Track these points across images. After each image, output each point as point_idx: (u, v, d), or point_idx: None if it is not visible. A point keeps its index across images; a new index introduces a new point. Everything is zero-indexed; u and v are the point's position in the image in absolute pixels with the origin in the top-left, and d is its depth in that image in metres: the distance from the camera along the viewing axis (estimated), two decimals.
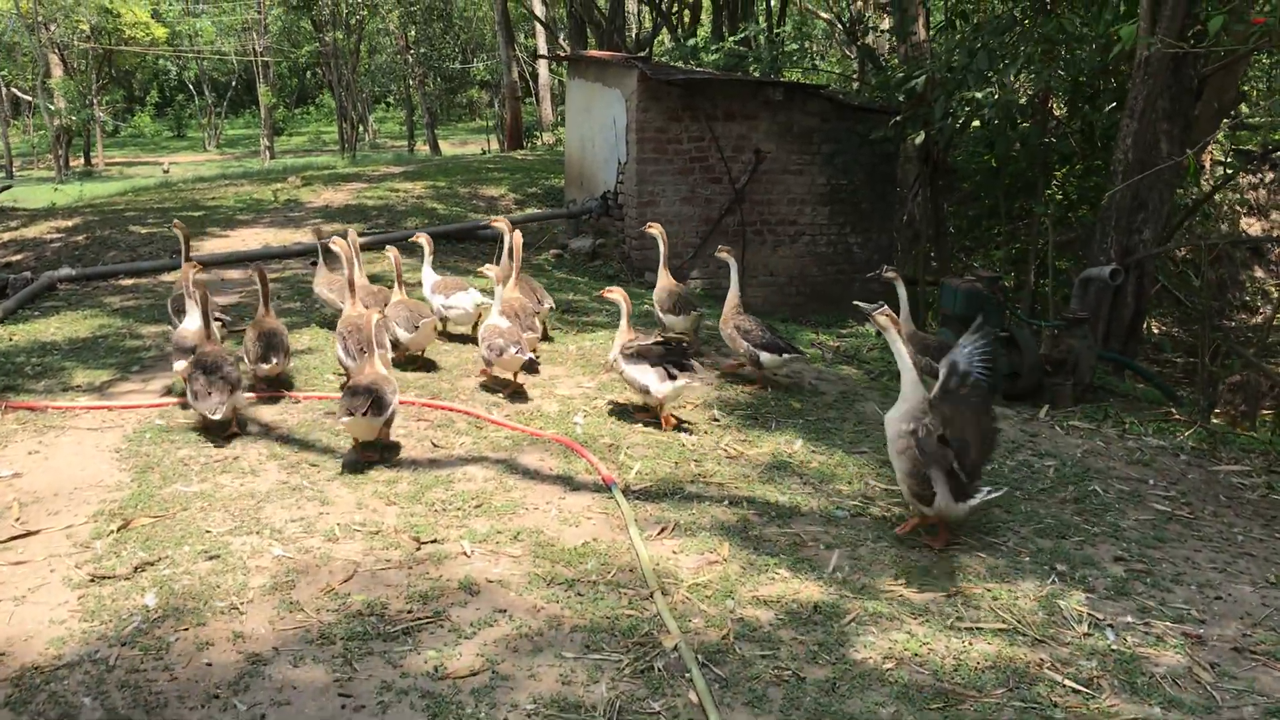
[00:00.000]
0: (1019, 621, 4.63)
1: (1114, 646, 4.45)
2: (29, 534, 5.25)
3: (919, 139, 12.98)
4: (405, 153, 46.01)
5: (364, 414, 5.85)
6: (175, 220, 9.66)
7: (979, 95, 11.49)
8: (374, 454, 6.20)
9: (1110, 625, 4.63)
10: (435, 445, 6.46)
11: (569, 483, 5.96)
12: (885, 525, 5.64)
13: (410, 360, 8.07)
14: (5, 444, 6.46)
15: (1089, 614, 4.72)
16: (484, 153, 37.59)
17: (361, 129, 55.39)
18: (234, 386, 6.43)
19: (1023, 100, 12.12)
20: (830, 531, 5.52)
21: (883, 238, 13.99)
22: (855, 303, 6.54)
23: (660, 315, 8.62)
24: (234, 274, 11.54)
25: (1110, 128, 12.31)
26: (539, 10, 41.07)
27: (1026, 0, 11.81)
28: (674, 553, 5.17)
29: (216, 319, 7.49)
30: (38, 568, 4.90)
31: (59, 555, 5.02)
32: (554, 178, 20.36)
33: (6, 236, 14.85)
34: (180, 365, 6.87)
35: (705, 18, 26.88)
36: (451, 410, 7.09)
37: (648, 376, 6.71)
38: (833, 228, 13.74)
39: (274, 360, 7.18)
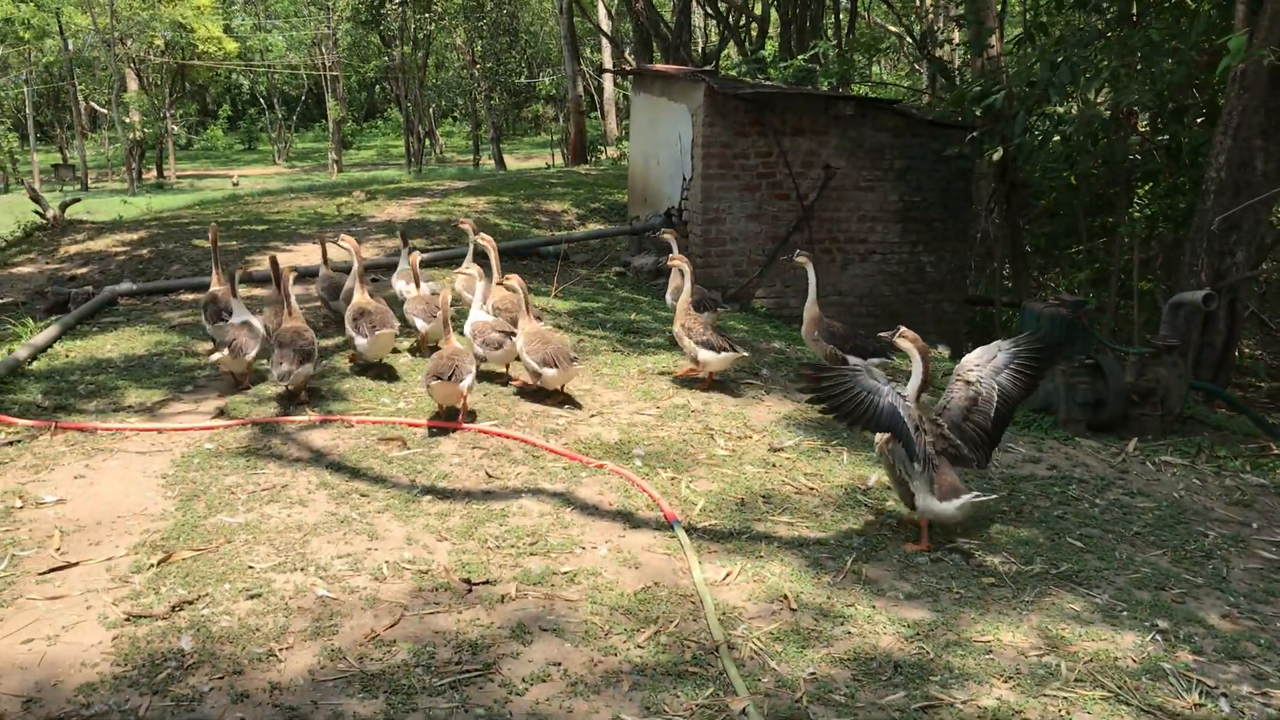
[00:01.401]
0: (1120, 687, 4.22)
1: None
2: (68, 566, 5.04)
3: (996, 155, 12.50)
4: (470, 167, 46.18)
5: (449, 379, 6.64)
6: (212, 225, 9.61)
7: (1060, 110, 11.00)
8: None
9: (1224, 694, 4.20)
10: (490, 475, 6.18)
11: (629, 519, 5.64)
12: (969, 571, 5.24)
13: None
14: (53, 467, 6.29)
15: (1199, 680, 4.29)
16: (548, 167, 37.55)
17: (428, 143, 55.74)
18: (304, 359, 7.25)
19: (1105, 115, 11.61)
20: (909, 577, 5.13)
21: (956, 256, 13.52)
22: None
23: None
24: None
25: (1198, 144, 11.76)
26: (605, 25, 40.97)
27: (1111, 13, 11.30)
28: (742, 600, 4.82)
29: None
30: (74, 603, 4.69)
31: (97, 590, 4.80)
32: (617, 193, 20.12)
33: (73, 249, 14.92)
34: (215, 356, 7.80)
35: (773, 30, 26.54)
36: (508, 437, 6.80)
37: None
38: (904, 246, 13.30)
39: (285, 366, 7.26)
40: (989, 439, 5.70)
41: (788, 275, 13.06)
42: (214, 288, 8.77)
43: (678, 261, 8.42)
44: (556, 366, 7.23)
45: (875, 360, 7.79)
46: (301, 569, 4.98)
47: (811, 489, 6.23)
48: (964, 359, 6.00)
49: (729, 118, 12.61)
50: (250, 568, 4.99)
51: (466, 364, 6.89)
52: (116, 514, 5.65)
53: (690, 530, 5.52)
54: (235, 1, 68.39)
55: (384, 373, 8.15)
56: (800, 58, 16.59)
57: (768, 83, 16.11)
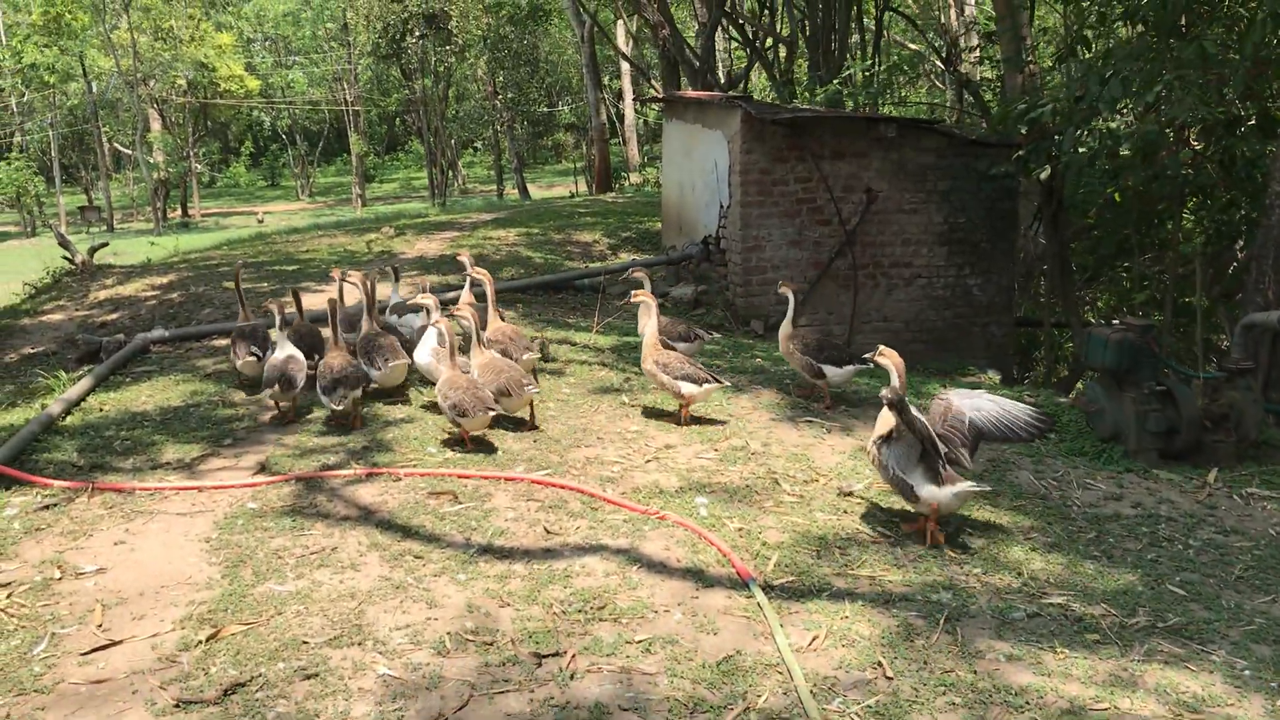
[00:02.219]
0: None
1: None
2: (111, 644, 4.75)
3: (1044, 174, 12.14)
4: (494, 198, 46.14)
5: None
6: (237, 264, 9.84)
7: (1113, 126, 10.64)
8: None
9: None
10: (549, 531, 5.86)
11: (700, 577, 5.30)
12: (1070, 626, 4.87)
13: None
14: (91, 532, 6.02)
15: None
16: (572, 195, 37.41)
17: (451, 175, 55.81)
18: (355, 385, 7.59)
19: (1158, 129, 11.23)
20: (1007, 636, 4.77)
21: (1003, 278, 13.15)
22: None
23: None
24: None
25: (1255, 157, 11.37)
26: (628, 51, 40.88)
27: (1164, 24, 10.92)
28: (833, 669, 4.47)
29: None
30: (119, 687, 4.39)
31: (142, 671, 4.51)
32: (647, 220, 19.87)
33: (103, 295, 14.76)
34: (266, 392, 7.82)
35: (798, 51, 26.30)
36: (564, 488, 6.49)
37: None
38: (950, 269, 12.94)
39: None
40: (970, 445, 5.96)
41: (831, 302, 12.73)
42: (240, 324, 9.19)
43: (641, 296, 8.20)
44: (511, 394, 7.33)
45: (850, 369, 8.06)
46: (359, 643, 4.67)
47: (887, 536, 5.88)
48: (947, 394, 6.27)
49: (767, 143, 12.32)
50: (304, 643, 4.68)
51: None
52: (160, 583, 5.36)
53: (767, 588, 5.18)
54: (256, 40, 68.97)
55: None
56: (835, 82, 16.30)
57: (804, 107, 15.81)
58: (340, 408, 7.59)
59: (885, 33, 29.00)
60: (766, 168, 12.37)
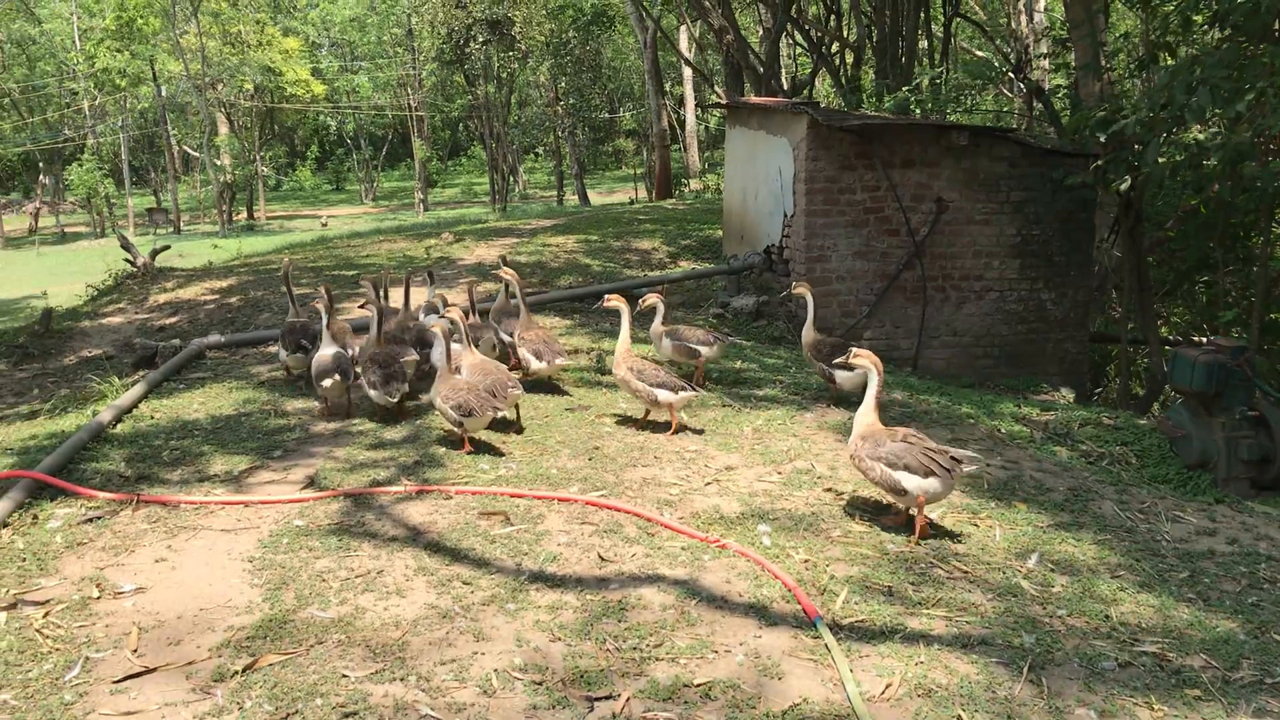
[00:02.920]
0: None
1: None
2: (146, 672, 4.54)
3: (1123, 184, 11.64)
4: (555, 204, 46.09)
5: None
6: (285, 260, 9.94)
7: (1201, 137, 10.14)
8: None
9: None
10: (603, 558, 5.57)
11: (763, 614, 4.98)
12: (1166, 679, 4.48)
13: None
14: (133, 548, 5.84)
15: None
16: (631, 202, 37.20)
17: (512, 180, 55.93)
18: (403, 379, 7.85)
19: (1250, 138, 10.69)
20: (1098, 688, 4.40)
21: (1078, 292, 12.64)
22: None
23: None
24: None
25: None
26: (691, 57, 40.61)
27: (1255, 30, 10.40)
28: None
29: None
30: None
31: (175, 704, 4.28)
32: (707, 228, 19.57)
33: (162, 298, 14.78)
34: (328, 382, 7.96)
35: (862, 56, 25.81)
36: (619, 510, 6.20)
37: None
38: (1023, 282, 12.47)
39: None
40: None
41: (898, 315, 12.32)
42: (290, 319, 9.45)
43: (614, 302, 8.09)
44: (496, 396, 7.33)
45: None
46: (401, 678, 4.41)
47: (964, 571, 5.51)
48: None
49: (834, 150, 11.95)
50: (345, 677, 4.43)
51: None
52: (199, 605, 5.15)
53: (835, 627, 4.84)
54: (322, 45, 69.72)
55: (481, 436, 7.62)
56: (904, 89, 15.86)
57: (872, 113, 15.41)
58: (395, 399, 7.81)
59: (952, 39, 28.43)
60: (833, 176, 12.00)
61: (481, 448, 7.33)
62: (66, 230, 60.51)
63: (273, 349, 10.89)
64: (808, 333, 8.63)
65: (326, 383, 7.98)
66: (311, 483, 6.83)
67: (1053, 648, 4.73)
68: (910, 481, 5.72)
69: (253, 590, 5.29)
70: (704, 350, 8.78)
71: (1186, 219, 13.86)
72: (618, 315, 8.01)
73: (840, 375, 8.21)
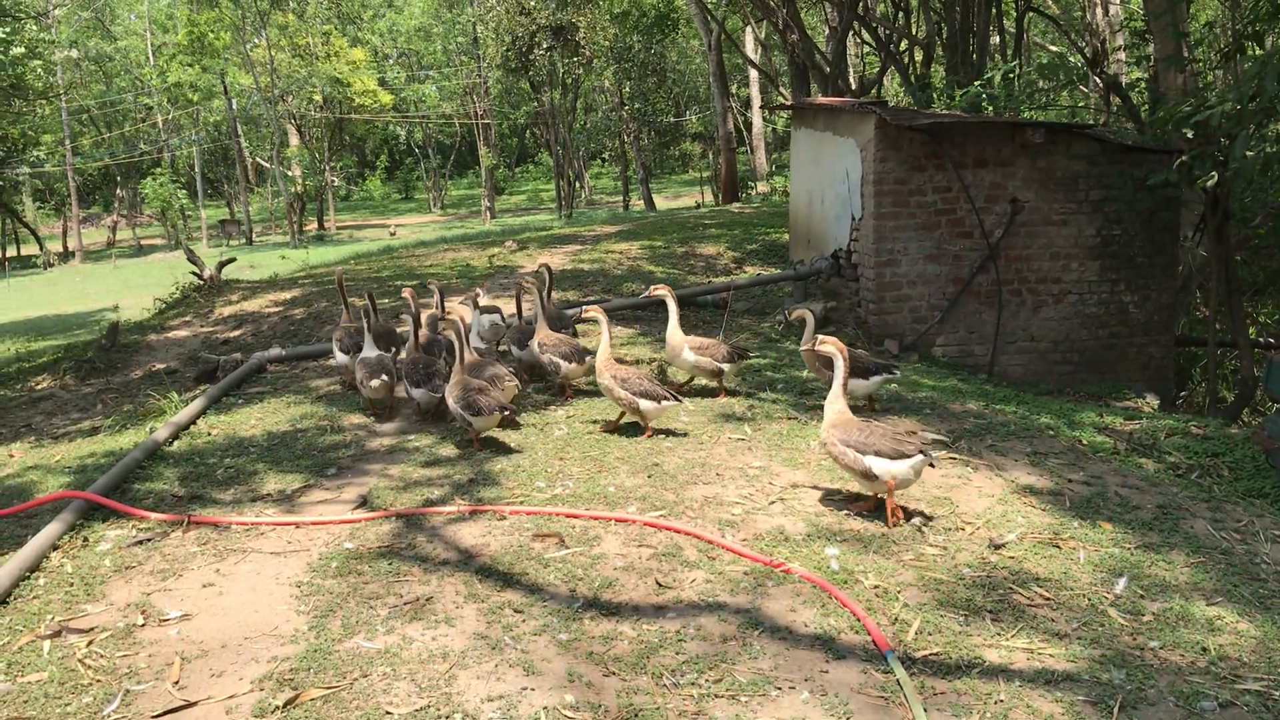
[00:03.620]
0: None
1: None
2: (186, 706, 4.37)
3: (1210, 181, 11.09)
4: (620, 209, 45.95)
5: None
6: (338, 272, 10.82)
7: None
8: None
9: None
10: (660, 584, 5.30)
11: (830, 646, 4.67)
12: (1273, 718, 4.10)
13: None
14: (181, 572, 5.70)
15: None
16: (697, 206, 36.94)
17: (578, 186, 55.98)
18: (444, 379, 7.90)
19: None
20: None
21: (1162, 294, 12.10)
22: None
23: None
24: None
25: None
26: (756, 58, 40.24)
27: None
28: None
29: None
30: None
31: None
32: (773, 232, 19.23)
33: (227, 310, 14.82)
34: (375, 383, 8.26)
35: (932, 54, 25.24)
36: (679, 531, 5.92)
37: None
38: (1103, 285, 11.96)
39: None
40: None
41: (972, 320, 11.89)
42: (343, 323, 9.61)
43: (593, 312, 8.02)
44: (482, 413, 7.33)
45: (877, 379, 7.91)
46: (446, 716, 4.18)
47: (1046, 599, 5.15)
48: None
49: (903, 151, 11.57)
50: (388, 714, 4.22)
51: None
52: (244, 634, 4.98)
53: (908, 661, 4.52)
54: (389, 55, 70.42)
55: (538, 451, 7.41)
56: (976, 84, 15.37)
57: (943, 111, 14.95)
58: (439, 395, 7.95)
59: (1025, 34, 27.71)
60: (902, 177, 11.62)
61: (497, 447, 7.12)
62: (143, 243, 61.77)
63: (331, 361, 10.82)
64: (806, 341, 8.09)
65: (374, 383, 8.26)
66: (364, 502, 6.67)
67: (1145, 684, 4.37)
68: (880, 466, 5.80)
69: (299, 618, 5.11)
70: (726, 367, 8.50)
71: (1277, 216, 13.22)
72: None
73: (854, 383, 7.86)
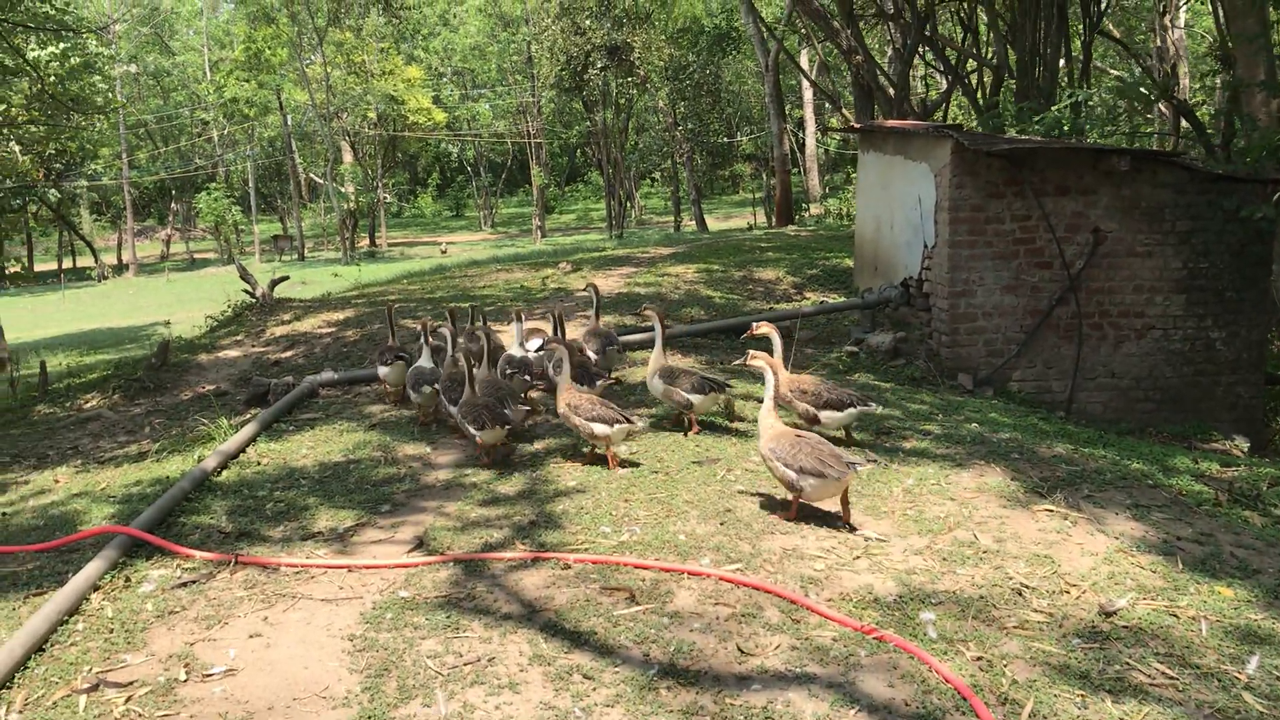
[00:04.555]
0: None
1: None
2: None
3: None
4: (672, 230, 45.60)
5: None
6: (390, 306, 10.91)
7: None
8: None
9: None
10: (742, 651, 4.86)
11: None
12: None
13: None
14: (227, 619, 5.34)
15: None
16: (750, 227, 36.51)
17: (628, 205, 55.80)
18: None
19: None
20: None
21: (1253, 330, 11.49)
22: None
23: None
24: None
25: None
26: (815, 76, 39.78)
27: None
28: None
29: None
30: None
31: None
32: (834, 256, 18.76)
33: (279, 330, 14.59)
34: (426, 389, 8.67)
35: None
36: (758, 589, 5.48)
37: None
38: (1190, 320, 11.38)
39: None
40: None
41: (1050, 355, 11.36)
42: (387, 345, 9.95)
43: (555, 346, 8.31)
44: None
45: (855, 411, 7.79)
46: None
47: (1170, 678, 4.65)
48: None
49: (980, 177, 11.09)
50: None
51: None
52: (293, 694, 4.61)
53: None
54: (444, 74, 70.78)
55: (602, 490, 7.00)
56: (1055, 109, 14.84)
57: (1020, 136, 14.43)
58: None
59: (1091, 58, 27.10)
60: (979, 204, 11.13)
61: (602, 495, 6.71)
62: (196, 256, 62.36)
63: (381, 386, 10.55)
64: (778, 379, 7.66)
65: (425, 389, 8.67)
66: (420, 544, 6.30)
67: None
68: (803, 480, 6.16)
69: (351, 677, 4.73)
70: (695, 399, 8.12)
71: None
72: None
73: (826, 415, 7.80)
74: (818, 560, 5.86)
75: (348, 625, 5.25)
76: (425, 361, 8.92)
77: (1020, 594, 5.45)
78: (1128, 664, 4.76)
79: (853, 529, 6.27)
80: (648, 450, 7.91)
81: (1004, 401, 10.77)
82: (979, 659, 4.77)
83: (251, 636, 5.17)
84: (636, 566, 5.77)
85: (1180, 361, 11.44)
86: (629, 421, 7.32)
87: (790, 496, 6.42)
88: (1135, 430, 10.95)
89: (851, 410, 7.77)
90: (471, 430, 7.54)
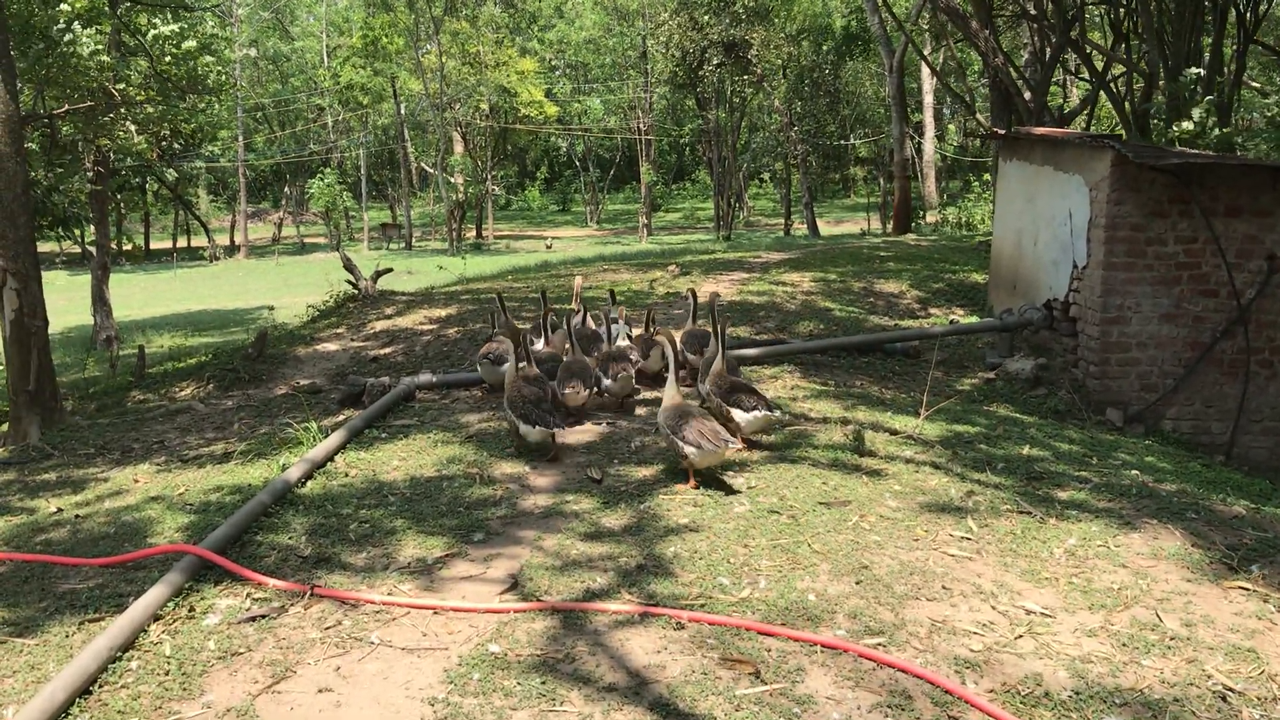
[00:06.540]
0: None
1: None
2: None
3: None
4: (782, 233, 44.61)
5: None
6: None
7: None
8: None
9: None
10: None
11: None
12: None
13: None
14: (296, 667, 4.72)
15: None
16: (863, 233, 35.43)
17: (737, 206, 54.94)
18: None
19: None
20: None
21: None
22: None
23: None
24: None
25: None
26: (927, 83, 38.48)
27: None
28: None
29: None
30: None
31: None
32: (960, 270, 17.72)
33: (380, 325, 14.14)
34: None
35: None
36: (905, 671, 4.66)
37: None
38: None
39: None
40: None
41: (1211, 392, 10.27)
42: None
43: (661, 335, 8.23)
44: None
45: (752, 415, 7.53)
46: None
47: None
48: None
49: (1143, 193, 10.06)
50: None
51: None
52: None
53: None
54: (558, 67, 70.72)
55: (716, 529, 6.23)
56: (1197, 110, 13.62)
57: (1189, 150, 13.26)
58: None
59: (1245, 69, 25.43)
60: (1140, 223, 10.10)
61: (720, 537, 5.94)
62: (305, 241, 63.21)
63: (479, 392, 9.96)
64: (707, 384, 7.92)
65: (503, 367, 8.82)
66: (514, 584, 5.60)
67: None
68: (688, 448, 6.74)
69: None
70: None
71: None
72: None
73: (740, 415, 7.55)
74: (973, 637, 5.00)
75: (429, 684, 4.57)
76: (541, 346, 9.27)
77: (1225, 699, 4.53)
78: None
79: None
80: (767, 485, 7.11)
81: (1158, 442, 9.72)
82: None
83: (320, 692, 4.53)
84: (761, 632, 5.00)
85: None
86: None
87: (683, 465, 6.95)
88: None
89: (752, 414, 7.58)
90: (520, 424, 7.57)
